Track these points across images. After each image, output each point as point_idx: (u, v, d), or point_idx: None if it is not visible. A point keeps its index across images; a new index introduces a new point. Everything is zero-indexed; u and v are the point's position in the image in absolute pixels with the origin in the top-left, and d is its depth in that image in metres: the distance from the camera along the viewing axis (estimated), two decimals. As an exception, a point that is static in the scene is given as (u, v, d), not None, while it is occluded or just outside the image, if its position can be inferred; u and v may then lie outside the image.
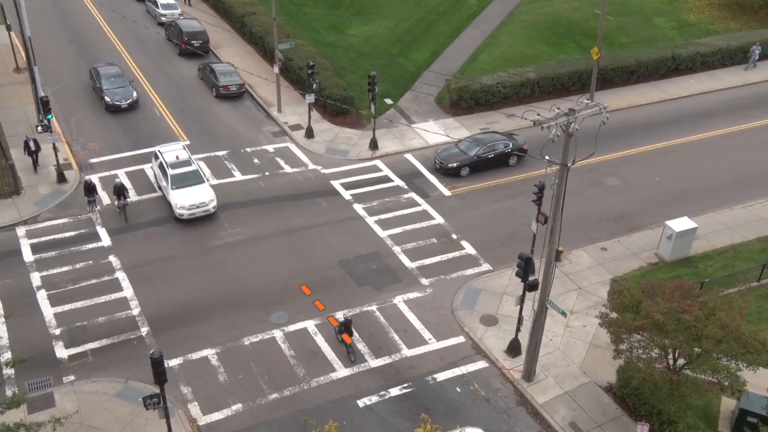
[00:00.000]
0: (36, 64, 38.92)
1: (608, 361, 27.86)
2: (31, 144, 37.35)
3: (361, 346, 29.10)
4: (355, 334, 29.57)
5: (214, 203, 35.43)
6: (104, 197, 36.63)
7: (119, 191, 34.80)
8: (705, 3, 63.08)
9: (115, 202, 35.20)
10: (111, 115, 43.62)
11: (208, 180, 36.46)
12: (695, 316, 23.64)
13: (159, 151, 36.93)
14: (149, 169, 38.39)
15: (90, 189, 34.48)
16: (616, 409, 26.86)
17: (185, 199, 34.92)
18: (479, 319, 30.76)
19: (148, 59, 50.87)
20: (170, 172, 35.58)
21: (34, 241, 33.57)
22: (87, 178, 35.25)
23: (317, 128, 43.41)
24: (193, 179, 35.67)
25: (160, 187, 36.81)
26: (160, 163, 36.42)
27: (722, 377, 23.58)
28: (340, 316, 30.23)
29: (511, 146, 40.74)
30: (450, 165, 39.71)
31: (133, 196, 36.78)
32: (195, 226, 35.16)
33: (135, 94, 44.44)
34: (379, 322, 30.28)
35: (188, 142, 41.58)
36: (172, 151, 36.66)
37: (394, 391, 27.18)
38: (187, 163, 36.23)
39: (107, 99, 43.46)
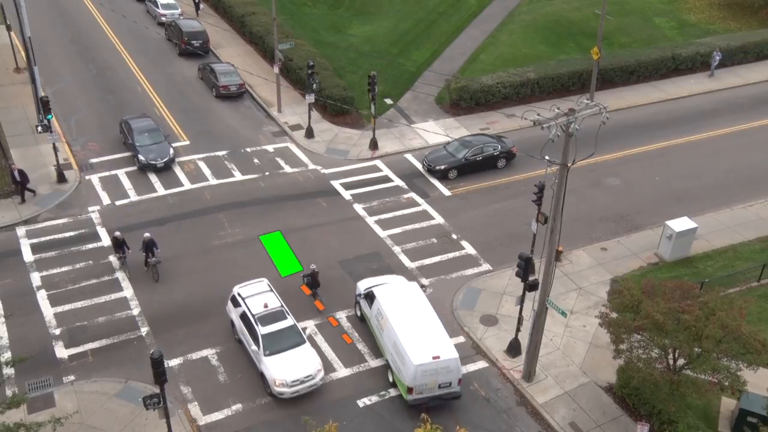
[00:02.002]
0: (36, 64, 38.90)
1: (608, 361, 27.86)
2: (16, 174, 34.93)
3: (361, 347, 29.11)
4: (355, 333, 29.65)
5: (322, 373, 26.95)
6: (104, 198, 36.69)
7: (148, 247, 31.16)
8: (705, 3, 63.09)
9: (149, 260, 31.34)
10: (113, 117, 43.62)
11: (305, 336, 27.78)
12: (695, 316, 23.65)
13: (238, 294, 28.46)
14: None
15: (119, 244, 31.33)
16: (616, 409, 26.86)
17: (286, 372, 26.15)
18: (479, 319, 30.76)
19: (148, 59, 50.86)
20: (261, 330, 26.81)
21: (34, 241, 33.57)
22: (116, 233, 31.51)
23: (317, 128, 43.41)
24: (291, 338, 27.10)
25: (240, 341, 28.48)
26: (243, 313, 27.81)
27: (722, 377, 23.60)
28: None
29: (499, 149, 40.62)
30: (437, 167, 39.60)
31: (133, 197, 36.80)
32: (195, 227, 35.16)
33: (172, 151, 39.36)
34: (379, 322, 30.28)
35: (188, 142, 41.63)
36: (257, 296, 28.17)
37: (394, 391, 27.15)
38: (281, 314, 27.60)
39: (141, 157, 38.39)
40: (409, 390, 25.80)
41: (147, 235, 31.46)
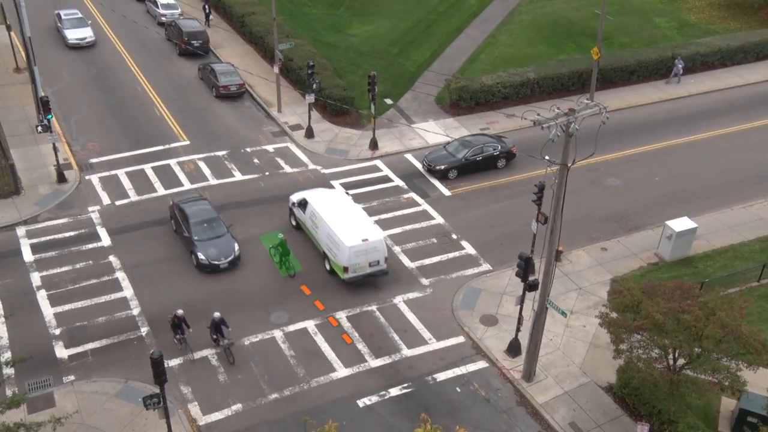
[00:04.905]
0: (36, 64, 38.91)
1: (608, 361, 27.85)
2: None
3: (361, 346, 29.11)
4: (355, 333, 29.65)
5: None
6: (104, 198, 36.70)
7: (217, 327, 28.01)
8: (705, 3, 63.11)
9: (221, 342, 28.21)
10: (113, 117, 43.66)
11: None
12: (695, 316, 23.64)
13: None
14: (149, 170, 36.81)
15: (177, 324, 27.88)
16: (616, 409, 26.86)
17: None
18: (479, 319, 30.76)
19: (148, 59, 50.86)
20: None
21: (34, 241, 33.56)
22: (179, 311, 27.87)
23: (317, 128, 43.41)
24: None
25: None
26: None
27: (722, 377, 23.59)
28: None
29: (499, 149, 40.61)
30: (438, 167, 39.61)
31: (133, 197, 36.79)
32: (195, 226, 35.13)
33: (237, 246, 32.65)
34: (379, 322, 30.28)
35: (188, 142, 41.61)
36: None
37: (394, 391, 27.19)
38: None
39: (200, 256, 31.85)
40: (345, 270, 30.81)
41: (217, 314, 27.97)
